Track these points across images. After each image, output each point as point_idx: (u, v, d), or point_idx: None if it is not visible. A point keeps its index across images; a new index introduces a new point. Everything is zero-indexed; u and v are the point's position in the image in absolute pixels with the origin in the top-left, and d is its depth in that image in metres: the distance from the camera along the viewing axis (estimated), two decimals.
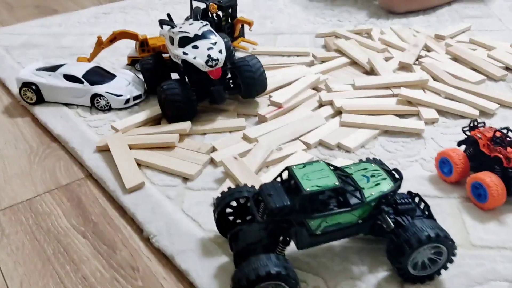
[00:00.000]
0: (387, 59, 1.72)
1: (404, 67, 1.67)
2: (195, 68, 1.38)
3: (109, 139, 1.34)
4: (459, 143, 1.16)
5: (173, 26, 1.47)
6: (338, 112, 1.44)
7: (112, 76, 1.60)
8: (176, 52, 1.41)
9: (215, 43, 1.41)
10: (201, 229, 1.06)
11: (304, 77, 1.57)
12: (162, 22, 1.52)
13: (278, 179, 0.93)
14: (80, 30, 2.20)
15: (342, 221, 0.88)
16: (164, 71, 1.57)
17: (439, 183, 1.15)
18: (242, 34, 1.94)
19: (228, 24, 1.87)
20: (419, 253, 0.86)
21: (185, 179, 1.22)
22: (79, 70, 1.57)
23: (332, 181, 0.86)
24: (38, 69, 1.61)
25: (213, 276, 0.95)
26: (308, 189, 0.84)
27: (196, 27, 1.44)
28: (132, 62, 1.78)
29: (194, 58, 1.37)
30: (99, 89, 1.54)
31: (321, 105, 1.49)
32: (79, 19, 2.34)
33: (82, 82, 1.54)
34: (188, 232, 1.05)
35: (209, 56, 1.36)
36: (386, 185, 0.90)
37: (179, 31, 1.42)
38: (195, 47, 1.39)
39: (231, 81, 1.48)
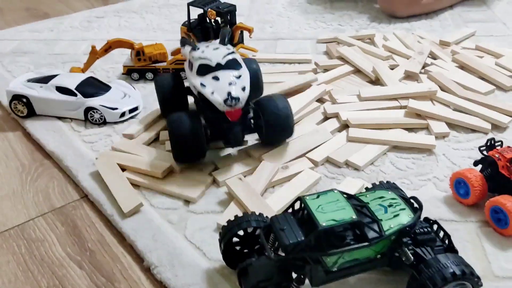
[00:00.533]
0: (392, 68, 1.66)
1: (410, 76, 1.61)
2: (211, 103, 1.18)
3: (97, 162, 1.26)
4: (476, 163, 1.10)
5: (194, 48, 1.28)
6: (345, 126, 1.38)
7: (107, 88, 1.53)
8: (193, 81, 1.22)
9: (239, 76, 1.20)
10: (205, 258, 1.00)
11: (309, 89, 1.51)
12: (184, 42, 1.33)
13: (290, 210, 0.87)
14: (72, 35, 2.12)
15: (360, 256, 0.83)
16: (181, 93, 1.41)
17: (455, 205, 1.10)
18: (241, 40, 1.88)
19: None
20: None
21: (187, 201, 1.16)
22: (72, 81, 1.50)
23: (349, 214, 0.80)
24: (29, 80, 1.54)
25: None
26: (324, 224, 0.78)
27: (221, 54, 1.23)
28: (128, 72, 1.70)
29: (212, 93, 1.16)
30: (93, 102, 1.46)
31: (326, 118, 1.43)
32: (71, 23, 2.26)
33: (75, 95, 1.47)
34: (192, 262, 0.99)
35: (229, 94, 1.15)
36: (405, 217, 0.84)
37: (200, 57, 1.23)
38: (216, 78, 1.19)
39: (252, 120, 1.26)
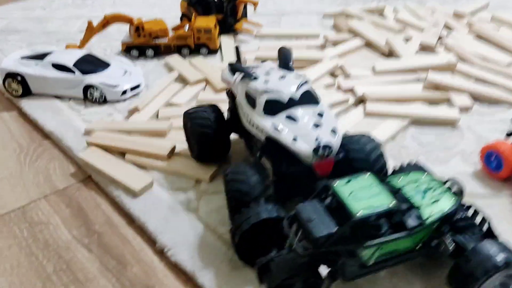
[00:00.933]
0: (406, 40, 1.59)
1: (425, 48, 1.54)
2: (288, 153, 0.90)
3: (85, 155, 1.15)
4: (509, 134, 1.04)
5: (250, 76, 0.99)
6: (360, 100, 1.31)
7: (106, 65, 1.44)
8: (260, 123, 0.93)
9: (321, 113, 0.93)
10: (222, 240, 0.92)
11: (321, 62, 1.43)
12: (235, 68, 1.03)
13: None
14: (66, 13, 2.03)
15: (399, 247, 0.75)
16: (224, 131, 1.08)
17: (486, 179, 1.03)
18: (245, 15, 1.79)
19: (230, 5, 1.71)
20: (488, 282, 0.73)
21: (198, 180, 1.08)
22: (70, 58, 1.41)
23: (387, 201, 0.72)
24: (23, 58, 1.44)
25: None
26: (359, 213, 0.70)
27: (291, 84, 0.95)
28: (127, 49, 1.61)
29: (294, 140, 0.89)
30: (92, 79, 1.38)
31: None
32: (64, 1, 2.16)
33: (73, 72, 1.39)
34: (208, 244, 0.92)
35: (318, 141, 0.88)
36: (447, 202, 0.76)
37: (265, 90, 0.94)
38: (291, 119, 0.92)
39: None
